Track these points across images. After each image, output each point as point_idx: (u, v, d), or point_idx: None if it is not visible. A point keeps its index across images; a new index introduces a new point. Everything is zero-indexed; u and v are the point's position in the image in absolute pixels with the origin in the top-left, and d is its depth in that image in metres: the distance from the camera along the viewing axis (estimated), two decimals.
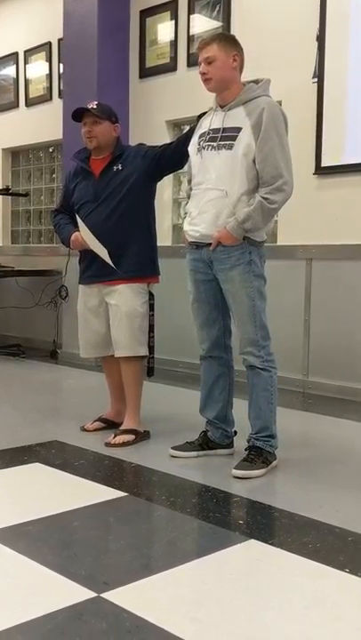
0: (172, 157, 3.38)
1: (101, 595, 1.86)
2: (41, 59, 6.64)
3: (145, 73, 5.67)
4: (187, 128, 5.40)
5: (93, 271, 3.47)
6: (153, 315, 3.47)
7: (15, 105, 6.98)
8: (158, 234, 3.58)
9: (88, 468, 3.00)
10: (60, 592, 1.89)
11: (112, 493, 2.68)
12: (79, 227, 3.41)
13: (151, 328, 3.47)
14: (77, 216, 3.41)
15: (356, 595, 1.91)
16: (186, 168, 3.23)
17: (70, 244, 3.49)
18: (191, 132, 3.19)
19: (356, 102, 4.37)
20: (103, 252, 3.36)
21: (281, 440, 3.08)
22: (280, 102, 3.19)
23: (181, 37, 5.38)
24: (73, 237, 3.45)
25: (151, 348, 3.48)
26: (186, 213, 3.11)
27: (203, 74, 2.94)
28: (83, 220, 3.37)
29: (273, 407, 3.00)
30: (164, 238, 4.92)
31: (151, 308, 3.46)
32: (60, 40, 6.20)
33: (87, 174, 3.48)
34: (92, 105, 3.43)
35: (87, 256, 3.48)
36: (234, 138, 2.86)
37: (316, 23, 4.50)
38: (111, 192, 3.39)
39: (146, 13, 5.62)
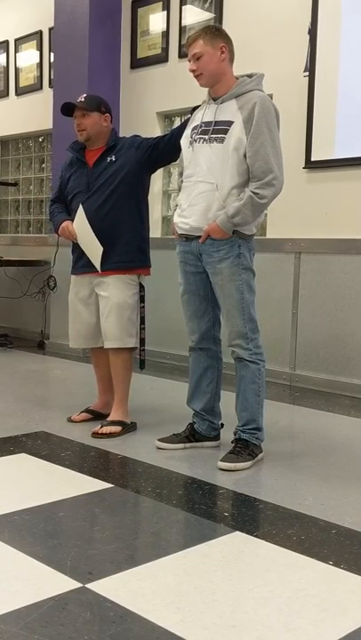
0: (166, 149, 3.37)
1: (86, 585, 1.87)
2: (32, 47, 6.60)
3: (136, 64, 5.65)
4: (177, 120, 5.44)
5: (85, 261, 3.45)
6: (144, 307, 3.46)
7: (5, 94, 6.94)
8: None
9: (74, 459, 3.01)
10: (44, 582, 1.89)
11: (98, 484, 2.68)
12: (76, 216, 3.39)
13: (142, 320, 3.46)
14: (81, 206, 3.38)
15: (338, 586, 1.93)
16: (178, 160, 3.22)
17: (59, 229, 3.48)
18: (185, 124, 3.18)
19: (346, 97, 4.38)
20: (94, 250, 3.35)
21: (267, 433, 3.09)
22: (271, 95, 3.19)
23: (173, 28, 5.36)
24: (64, 225, 3.44)
25: (142, 341, 3.47)
26: (176, 205, 3.11)
27: (192, 70, 2.94)
28: (85, 212, 3.35)
29: (260, 400, 3.01)
30: (154, 230, 4.90)
31: (142, 299, 3.46)
32: (50, 29, 6.16)
33: (81, 165, 3.47)
34: (80, 98, 3.42)
35: (79, 246, 3.47)
36: (225, 131, 2.86)
37: (309, 16, 4.50)
38: (103, 183, 3.38)
39: (138, 3, 5.60)
